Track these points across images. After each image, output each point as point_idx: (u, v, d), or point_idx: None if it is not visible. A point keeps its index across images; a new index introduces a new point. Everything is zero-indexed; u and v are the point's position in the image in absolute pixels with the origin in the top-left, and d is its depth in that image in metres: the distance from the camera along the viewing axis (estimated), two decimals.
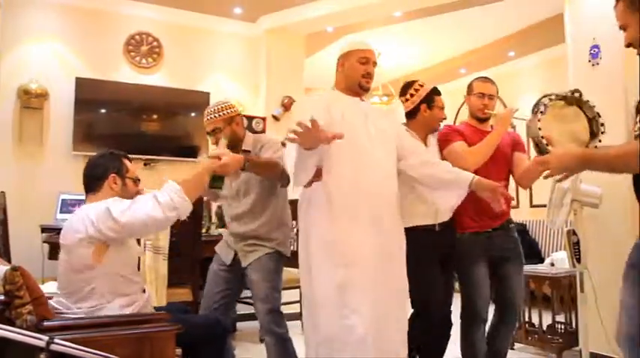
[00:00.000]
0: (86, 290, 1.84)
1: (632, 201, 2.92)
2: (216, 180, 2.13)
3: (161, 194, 1.84)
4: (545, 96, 2.21)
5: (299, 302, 4.45)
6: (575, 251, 2.84)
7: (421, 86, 2.78)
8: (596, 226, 3.02)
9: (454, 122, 7.40)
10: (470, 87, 2.82)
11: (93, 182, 2.01)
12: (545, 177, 2.16)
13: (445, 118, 2.84)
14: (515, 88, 6.32)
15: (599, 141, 2.22)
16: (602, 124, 2.11)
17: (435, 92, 2.80)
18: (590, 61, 3.17)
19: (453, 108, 7.44)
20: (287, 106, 5.27)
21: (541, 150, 1.89)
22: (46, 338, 1.07)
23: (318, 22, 5.22)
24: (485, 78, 2.86)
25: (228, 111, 2.59)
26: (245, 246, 2.61)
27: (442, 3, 4.74)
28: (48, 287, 2.79)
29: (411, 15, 5.18)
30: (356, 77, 2.28)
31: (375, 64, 2.32)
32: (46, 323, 1.57)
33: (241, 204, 2.62)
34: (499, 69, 6.67)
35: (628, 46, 1.63)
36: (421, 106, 2.73)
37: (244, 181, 2.62)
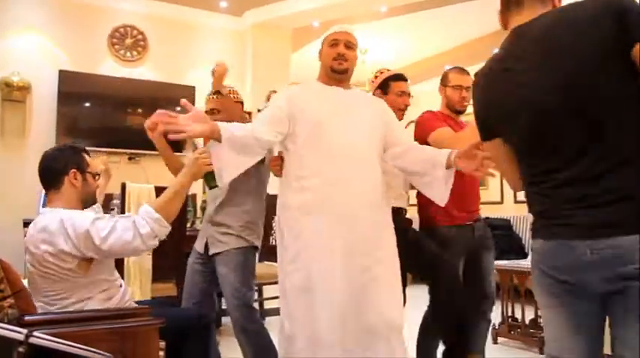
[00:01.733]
0: (68, 295, 1.80)
1: None
2: (209, 180, 2.08)
3: (141, 224, 1.78)
4: None
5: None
6: None
7: (381, 73, 2.70)
8: None
9: None
10: (446, 78, 2.75)
11: (52, 177, 1.92)
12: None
13: (407, 105, 2.68)
14: None
15: None
16: None
17: (393, 78, 2.68)
18: None
19: (438, 103, 7.49)
20: None
21: None
22: (25, 331, 1.07)
23: (304, 16, 5.21)
24: (462, 69, 2.78)
25: (232, 96, 2.64)
26: (216, 233, 2.56)
27: None
28: None
29: (397, 10, 5.19)
30: (328, 62, 2.20)
31: (349, 45, 2.19)
32: (27, 318, 1.56)
33: (219, 190, 2.56)
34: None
35: None
36: (375, 92, 2.64)
37: None
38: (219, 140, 1.89)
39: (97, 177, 2.04)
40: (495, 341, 3.90)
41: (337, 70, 2.19)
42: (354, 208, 2.07)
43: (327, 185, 2.06)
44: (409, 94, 2.73)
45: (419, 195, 2.54)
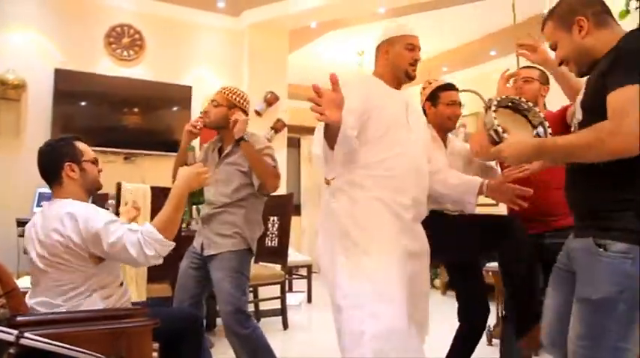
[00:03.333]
0: (77, 285, 1.80)
1: None
2: (195, 196, 2.08)
3: (147, 245, 1.79)
4: (493, 99, 2.11)
5: (280, 298, 4.46)
6: None
7: (430, 84, 2.65)
8: None
9: None
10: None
11: (50, 174, 1.93)
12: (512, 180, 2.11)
13: (458, 114, 2.60)
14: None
15: None
16: (549, 127, 2.07)
17: (442, 88, 2.62)
18: None
19: None
20: (270, 102, 5.25)
21: (496, 141, 1.78)
22: (15, 332, 1.05)
23: (302, 17, 5.19)
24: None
25: (237, 98, 2.63)
26: (211, 234, 2.56)
27: (426, 1, 4.76)
28: (23, 282, 2.74)
29: (395, 12, 5.18)
30: (403, 65, 2.14)
31: (420, 49, 2.19)
32: (19, 318, 1.54)
33: (217, 191, 2.58)
34: (481, 67, 6.72)
35: (560, 64, 1.66)
36: (425, 105, 2.60)
37: (226, 170, 2.60)
38: (335, 131, 1.80)
39: (96, 163, 2.03)
40: (490, 343, 3.90)
41: (411, 76, 2.17)
42: (418, 214, 2.10)
43: (398, 189, 2.03)
44: (460, 103, 2.65)
45: None
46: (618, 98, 1.37)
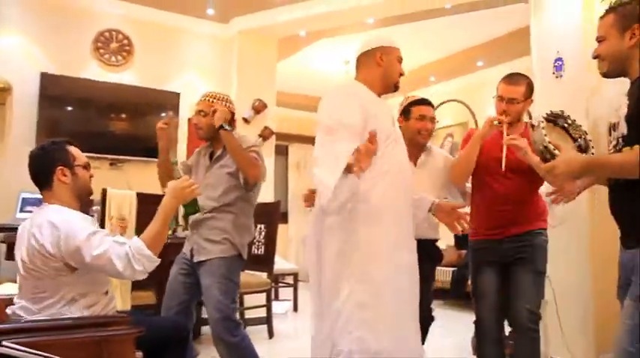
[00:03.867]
0: (51, 294, 1.78)
1: (593, 211, 3.02)
2: (188, 207, 2.08)
3: (135, 260, 1.78)
4: (539, 116, 2.11)
5: (265, 306, 4.43)
6: None
7: (406, 99, 2.68)
8: (557, 234, 3.09)
9: None
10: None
11: (41, 178, 1.91)
12: (554, 201, 2.18)
13: (427, 129, 2.61)
14: (485, 97, 6.43)
15: None
16: (591, 140, 2.06)
17: (414, 103, 2.64)
18: (554, 73, 3.26)
19: None
20: (257, 109, 5.25)
21: (546, 158, 1.78)
22: None
23: (292, 25, 5.22)
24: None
25: (224, 103, 2.61)
26: (201, 241, 2.53)
27: (414, 11, 4.80)
28: (4, 289, 2.71)
29: (384, 22, 5.22)
30: (395, 76, 2.16)
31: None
32: None
33: (207, 196, 2.55)
34: (468, 78, 6.79)
35: (595, 57, 1.71)
36: (399, 119, 2.59)
37: (216, 174, 2.58)
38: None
39: (88, 167, 2.02)
40: (475, 353, 3.90)
41: (397, 88, 2.20)
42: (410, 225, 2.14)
43: (395, 203, 2.05)
44: (432, 118, 2.66)
45: None
46: None
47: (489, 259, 2.53)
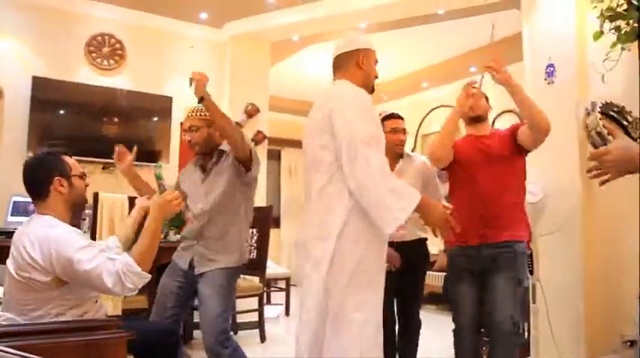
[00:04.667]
0: (37, 307, 1.76)
1: (585, 215, 3.05)
2: (174, 220, 2.07)
3: (126, 277, 1.77)
4: (597, 102, 2.03)
5: (257, 310, 4.42)
6: (529, 263, 2.91)
7: (380, 114, 2.76)
8: (548, 239, 3.11)
9: (416, 134, 7.54)
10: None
11: (37, 189, 1.90)
12: (601, 183, 1.71)
13: (401, 140, 2.92)
14: None
15: None
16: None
17: (385, 117, 2.87)
18: (546, 79, 3.28)
19: (415, 120, 7.58)
20: (250, 114, 5.25)
21: (597, 146, 1.66)
22: None
23: (284, 30, 5.23)
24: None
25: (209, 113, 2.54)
26: (205, 251, 2.50)
27: (407, 17, 4.83)
28: None
29: (376, 27, 5.25)
30: (373, 78, 2.16)
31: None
32: None
33: (205, 204, 2.54)
34: (461, 83, 6.79)
35: None
36: None
37: (212, 182, 2.56)
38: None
39: (84, 177, 2.01)
40: None
41: (374, 90, 2.17)
42: None
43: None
44: (403, 131, 2.92)
45: None
46: None
47: (467, 266, 2.53)
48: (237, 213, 2.55)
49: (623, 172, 1.42)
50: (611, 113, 1.93)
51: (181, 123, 2.69)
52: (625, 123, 1.93)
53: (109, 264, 1.77)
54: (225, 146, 2.58)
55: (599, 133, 1.61)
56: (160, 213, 1.97)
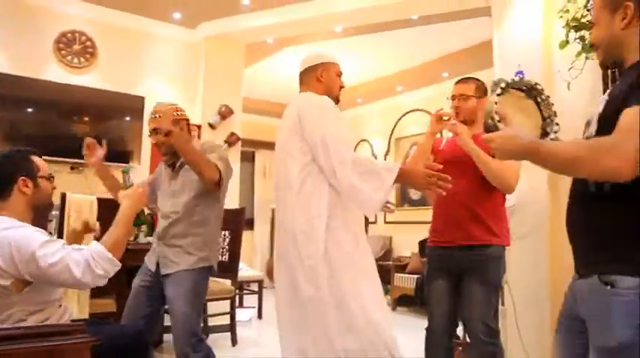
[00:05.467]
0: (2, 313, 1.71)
1: (552, 219, 3.11)
2: (135, 219, 2.05)
3: (95, 264, 1.73)
4: (503, 80, 1.97)
5: (229, 313, 4.39)
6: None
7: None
8: (518, 244, 3.16)
9: (390, 138, 7.60)
10: None
11: (0, 187, 1.84)
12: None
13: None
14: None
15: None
16: (557, 124, 1.92)
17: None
18: None
19: (389, 124, 7.64)
20: (224, 115, 5.21)
21: (490, 128, 1.64)
22: None
23: (259, 32, 5.21)
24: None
25: (175, 114, 2.51)
26: (169, 253, 2.46)
27: (381, 22, 4.87)
28: None
29: (352, 31, 5.28)
30: (335, 89, 2.31)
31: None
32: None
33: (173, 203, 2.50)
34: (434, 88, 6.91)
35: (591, 46, 1.52)
36: None
37: (181, 180, 2.52)
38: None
39: (51, 180, 1.96)
40: None
41: (339, 100, 2.33)
42: None
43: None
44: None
45: None
46: (631, 116, 1.20)
47: (443, 267, 2.53)
48: (204, 214, 2.51)
49: (507, 158, 1.43)
50: (530, 91, 1.93)
51: (150, 130, 2.63)
52: (539, 100, 1.93)
53: (76, 253, 1.72)
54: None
55: (492, 118, 1.61)
56: (133, 203, 1.95)
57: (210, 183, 2.43)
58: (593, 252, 1.35)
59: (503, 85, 1.84)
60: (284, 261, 2.09)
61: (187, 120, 2.57)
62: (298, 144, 2.06)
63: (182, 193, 2.51)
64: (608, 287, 1.26)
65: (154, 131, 2.52)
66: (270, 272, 7.02)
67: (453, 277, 2.51)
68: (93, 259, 1.73)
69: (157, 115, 2.52)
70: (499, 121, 1.57)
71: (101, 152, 2.63)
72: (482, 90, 2.57)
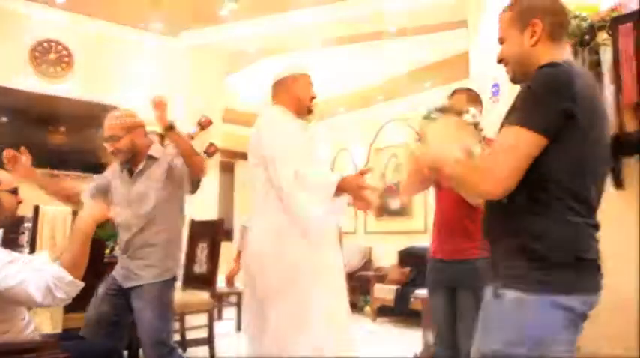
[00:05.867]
0: None
1: None
2: (104, 230, 1.98)
3: (57, 288, 1.68)
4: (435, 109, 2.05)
5: (207, 326, 4.32)
6: None
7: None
8: None
9: (370, 148, 7.62)
10: None
11: None
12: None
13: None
14: None
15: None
16: (482, 130, 2.03)
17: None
18: (491, 97, 3.38)
19: (370, 134, 7.67)
20: (203, 125, 5.17)
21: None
22: None
23: (240, 42, 5.21)
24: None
25: (129, 119, 2.45)
26: (132, 265, 2.41)
27: (361, 33, 4.91)
28: None
29: (333, 41, 5.31)
30: (306, 100, 2.35)
31: None
32: None
33: (134, 213, 2.43)
34: (416, 98, 6.95)
35: (500, 61, 1.51)
36: None
37: (141, 188, 2.44)
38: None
39: (15, 194, 1.90)
40: None
41: (311, 111, 2.41)
42: None
43: None
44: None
45: None
46: (501, 137, 1.32)
47: (439, 280, 2.51)
48: (167, 223, 2.47)
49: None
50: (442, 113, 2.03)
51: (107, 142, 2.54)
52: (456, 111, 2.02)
53: (37, 276, 1.66)
54: (155, 152, 2.48)
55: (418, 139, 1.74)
56: (90, 216, 1.86)
57: (201, 172, 2.47)
58: (492, 264, 1.46)
59: (432, 110, 1.92)
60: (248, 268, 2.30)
61: (140, 124, 2.51)
62: (260, 161, 2.19)
63: (142, 202, 2.43)
64: (498, 299, 1.34)
65: (110, 138, 2.43)
66: None
67: (450, 290, 2.47)
68: (55, 285, 1.68)
69: (108, 123, 2.45)
70: (418, 140, 1.69)
71: (25, 160, 2.53)
72: (474, 100, 2.59)
